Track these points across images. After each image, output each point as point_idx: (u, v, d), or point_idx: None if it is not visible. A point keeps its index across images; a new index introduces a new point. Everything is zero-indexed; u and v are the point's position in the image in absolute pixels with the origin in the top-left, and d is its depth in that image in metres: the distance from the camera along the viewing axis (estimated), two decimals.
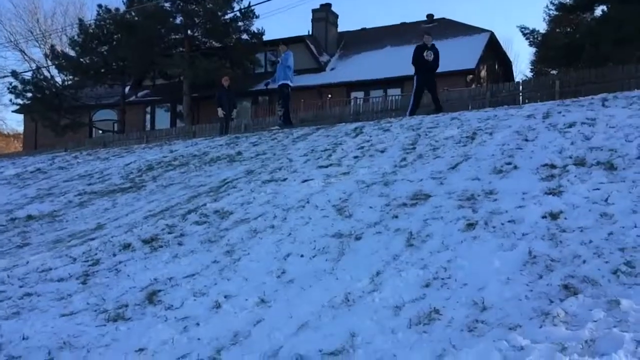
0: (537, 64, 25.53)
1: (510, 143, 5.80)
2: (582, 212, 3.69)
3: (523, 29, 23.15)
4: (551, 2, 22.40)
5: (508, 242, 3.44)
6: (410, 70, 23.19)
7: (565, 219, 3.64)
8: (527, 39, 23.43)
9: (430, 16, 27.03)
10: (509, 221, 3.77)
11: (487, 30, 23.89)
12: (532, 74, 27.09)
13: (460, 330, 2.57)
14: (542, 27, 26.01)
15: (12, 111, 30.34)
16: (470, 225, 3.81)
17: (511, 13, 63.12)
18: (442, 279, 3.14)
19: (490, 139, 6.18)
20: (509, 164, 5.09)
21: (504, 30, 66.14)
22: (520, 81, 16.38)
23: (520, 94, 14.17)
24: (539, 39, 22.94)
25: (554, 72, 22.42)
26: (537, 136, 5.90)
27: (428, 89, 10.85)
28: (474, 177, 4.92)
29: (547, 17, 23.11)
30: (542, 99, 11.94)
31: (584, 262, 3.02)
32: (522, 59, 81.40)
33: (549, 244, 3.33)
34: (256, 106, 24.79)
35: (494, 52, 25.25)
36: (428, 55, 10.57)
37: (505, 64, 27.89)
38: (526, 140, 5.82)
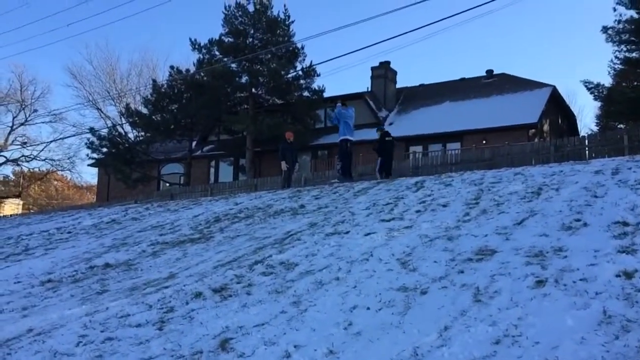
0: (603, 118, 24.91)
1: (578, 199, 5.70)
2: None
3: (587, 84, 22.80)
4: (616, 57, 22.05)
5: (581, 301, 3.38)
6: (469, 125, 23.23)
7: None
8: (591, 93, 23.02)
9: (489, 72, 27.12)
10: (580, 279, 3.70)
11: (549, 85, 23.63)
12: (597, 128, 26.39)
13: None
14: (607, 81, 25.49)
15: (88, 165, 32.35)
16: (540, 283, 3.77)
17: (574, 68, 62.22)
18: (513, 336, 3.11)
19: (557, 194, 6.09)
20: (578, 220, 5.00)
21: (567, 83, 65.17)
22: (586, 135, 16.00)
23: (587, 148, 13.83)
24: (604, 93, 22.48)
25: (621, 126, 21.78)
26: (606, 192, 5.77)
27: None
28: (541, 233, 4.86)
29: (612, 71, 22.70)
30: (610, 154, 11.63)
31: None
32: (586, 113, 79.47)
33: (624, 304, 3.24)
34: (316, 160, 25.32)
35: (557, 106, 24.86)
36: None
37: (569, 118, 27.33)
38: (595, 196, 5.71)
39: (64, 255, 8.25)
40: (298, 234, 6.73)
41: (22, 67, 54.47)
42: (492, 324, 3.30)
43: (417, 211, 6.70)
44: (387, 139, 13.96)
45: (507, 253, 4.51)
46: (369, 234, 5.95)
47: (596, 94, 22.96)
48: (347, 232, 6.23)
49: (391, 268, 4.69)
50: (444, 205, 6.72)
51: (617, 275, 3.63)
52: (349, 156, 12.67)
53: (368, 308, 3.94)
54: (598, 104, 25.47)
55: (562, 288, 3.62)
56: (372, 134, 24.10)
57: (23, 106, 41.47)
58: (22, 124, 41.65)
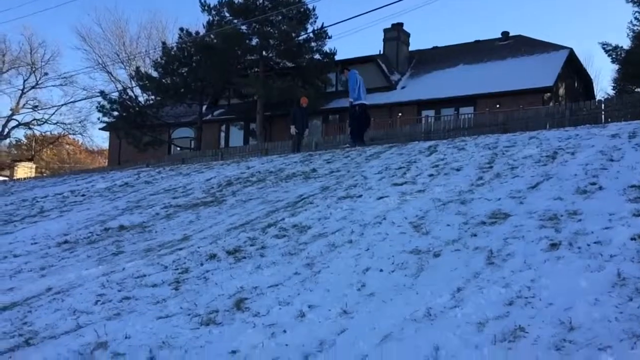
0: (620, 81, 24.42)
1: (594, 163, 5.64)
2: None
3: (605, 46, 22.33)
4: (636, 18, 21.46)
5: (595, 263, 3.37)
6: (483, 89, 22.91)
7: None
8: (609, 55, 22.56)
9: (505, 34, 26.54)
10: (595, 242, 3.69)
11: (566, 47, 23.11)
12: (614, 91, 25.89)
13: (548, 349, 2.56)
14: (625, 44, 24.92)
15: (99, 129, 32.53)
16: (554, 246, 3.76)
17: (592, 29, 60.66)
18: (526, 297, 3.12)
19: (573, 158, 6.02)
20: (594, 184, 4.95)
21: (584, 46, 63.62)
22: (603, 99, 15.72)
23: (603, 112, 13.62)
24: (622, 55, 22.00)
25: (639, 89, 21.35)
26: (623, 156, 5.70)
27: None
28: (555, 197, 4.83)
29: (631, 33, 22.13)
30: (627, 118, 11.44)
31: None
32: (603, 76, 77.80)
33: (639, 266, 3.23)
34: (327, 124, 25.19)
35: (573, 69, 24.38)
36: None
37: (585, 81, 26.82)
38: (611, 160, 5.64)
39: (79, 218, 8.37)
40: (310, 197, 6.75)
41: (31, 29, 54.30)
42: (505, 286, 3.32)
43: (430, 175, 6.68)
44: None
45: (521, 217, 4.50)
46: (381, 197, 5.95)
47: (614, 56, 22.50)
48: (360, 196, 6.23)
49: (404, 231, 4.71)
50: (457, 169, 6.68)
51: (632, 239, 3.61)
52: (363, 120, 12.49)
53: (381, 270, 3.97)
54: (616, 67, 24.92)
55: (576, 251, 3.62)
56: (385, 98, 23.90)
57: (33, 69, 41.50)
58: (32, 87, 41.79)
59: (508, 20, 66.12)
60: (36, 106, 40.67)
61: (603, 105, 14.22)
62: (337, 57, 25.03)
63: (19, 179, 24.75)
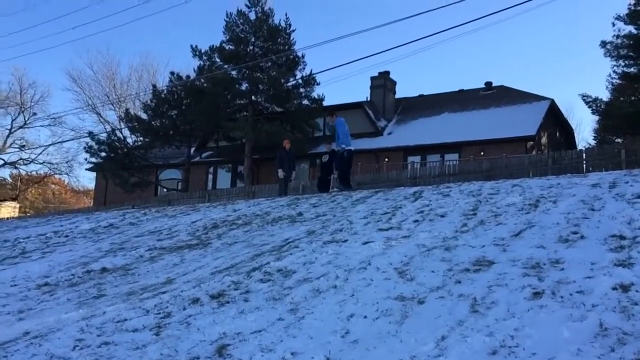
0: (601, 132, 25.07)
1: (575, 212, 5.74)
2: None
3: (585, 97, 22.99)
4: (614, 72, 22.23)
5: (577, 313, 3.39)
6: (468, 136, 23.21)
7: (637, 291, 3.56)
8: (589, 107, 23.22)
9: (488, 84, 27.27)
10: (577, 291, 3.72)
11: (548, 98, 23.78)
12: (595, 142, 26.52)
13: None
14: (605, 95, 25.70)
15: (86, 169, 32.36)
16: (537, 294, 3.78)
17: (572, 81, 62.56)
18: (510, 347, 3.12)
19: (555, 207, 6.12)
20: (576, 233, 5.03)
21: (565, 97, 65.49)
22: (584, 149, 16.08)
23: (584, 162, 13.89)
24: (602, 107, 22.66)
25: (618, 140, 21.91)
26: (603, 206, 5.81)
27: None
28: (538, 245, 4.89)
29: (610, 86, 22.88)
30: (607, 168, 11.69)
31: None
32: (584, 127, 79.78)
33: (621, 317, 3.26)
34: (314, 168, 25.34)
35: (555, 119, 25.00)
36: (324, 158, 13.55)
37: (567, 131, 27.47)
38: (592, 209, 5.74)
39: (61, 259, 8.24)
40: (296, 241, 6.74)
41: (22, 70, 54.57)
42: (489, 335, 3.32)
43: (415, 221, 6.72)
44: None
45: (505, 264, 4.53)
46: (366, 242, 5.97)
47: (594, 108, 23.14)
48: (345, 241, 6.24)
49: (389, 277, 4.71)
50: (442, 216, 6.74)
51: (614, 288, 3.65)
52: (349, 165, 12.62)
53: (365, 316, 3.95)
54: (596, 118, 25.66)
55: (558, 300, 3.64)
56: (371, 143, 24.22)
57: (22, 109, 41.51)
58: (20, 127, 41.66)
59: (491, 71, 68.14)
60: (23, 146, 40.46)
61: (584, 154, 14.54)
62: (325, 103, 25.46)
63: (2, 218, 24.38)
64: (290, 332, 3.86)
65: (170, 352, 3.76)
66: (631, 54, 21.44)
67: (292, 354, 3.48)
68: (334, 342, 3.60)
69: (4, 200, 34.11)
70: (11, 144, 41.51)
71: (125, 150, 26.66)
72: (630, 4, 21.14)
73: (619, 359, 2.81)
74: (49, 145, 40.01)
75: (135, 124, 26.36)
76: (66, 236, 10.49)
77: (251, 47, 25.37)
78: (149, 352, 3.80)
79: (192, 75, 26.35)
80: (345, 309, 4.15)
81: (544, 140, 23.11)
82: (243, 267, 5.84)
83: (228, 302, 4.69)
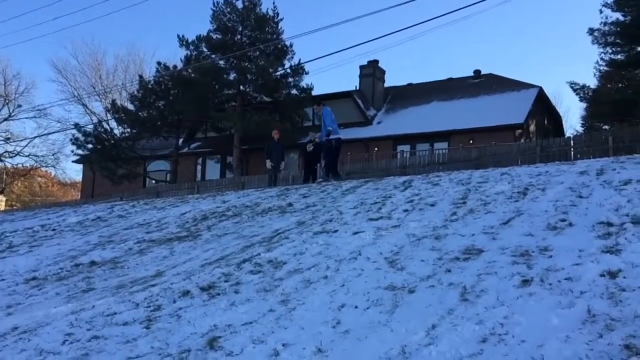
0: (589, 119, 25.25)
1: (563, 199, 5.78)
2: None
3: (573, 85, 23.12)
4: (602, 59, 22.35)
5: (566, 300, 3.42)
6: (457, 125, 23.32)
7: (625, 277, 3.59)
8: (577, 94, 23.39)
9: (477, 72, 27.32)
10: (565, 278, 3.75)
11: (536, 86, 23.87)
12: (583, 129, 26.72)
13: None
14: (592, 83, 25.86)
15: (73, 161, 32.04)
16: (526, 282, 3.81)
17: (560, 68, 62.86)
18: (499, 334, 3.14)
19: (543, 195, 6.16)
20: (564, 220, 5.06)
21: (553, 85, 65.80)
22: (572, 136, 16.21)
23: (572, 149, 14.00)
24: (589, 94, 22.81)
25: (606, 127, 22.09)
26: (591, 193, 5.85)
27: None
28: (527, 233, 4.92)
29: (597, 73, 23.02)
30: (595, 155, 11.79)
31: None
32: (572, 114, 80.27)
33: (608, 303, 3.29)
34: (303, 158, 25.29)
35: (543, 107, 25.13)
36: (309, 148, 13.75)
37: (555, 118, 27.64)
38: (580, 197, 5.78)
39: (49, 253, 8.16)
40: (286, 232, 6.73)
41: (6, 61, 53.73)
42: (479, 323, 3.33)
43: (405, 210, 6.74)
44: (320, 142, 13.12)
45: (494, 252, 4.56)
46: (357, 232, 5.97)
47: (582, 95, 23.30)
48: (336, 231, 6.24)
49: (379, 267, 4.72)
50: (432, 205, 6.76)
51: (602, 275, 3.68)
52: (337, 153, 12.59)
53: (356, 307, 3.96)
54: (583, 105, 25.82)
55: (547, 287, 3.67)
56: (361, 133, 24.21)
57: (7, 101, 40.94)
58: (5, 119, 41.11)
59: (480, 59, 68.26)
60: (8, 138, 39.96)
61: (572, 142, 14.66)
62: (313, 92, 25.37)
63: None
64: (282, 323, 3.86)
65: (161, 345, 3.74)
66: (618, 41, 21.57)
67: (283, 345, 3.48)
68: (325, 333, 3.60)
69: None
70: None
71: (113, 141, 26.42)
72: None
73: (607, 345, 2.84)
74: (35, 137, 39.58)
75: (122, 115, 26.12)
76: (54, 229, 10.40)
77: (239, 37, 25.17)
78: (139, 345, 3.78)
79: (180, 65, 26.16)
80: (336, 299, 4.15)
81: (532, 128, 23.23)
82: (233, 258, 5.83)
83: (218, 294, 4.67)
